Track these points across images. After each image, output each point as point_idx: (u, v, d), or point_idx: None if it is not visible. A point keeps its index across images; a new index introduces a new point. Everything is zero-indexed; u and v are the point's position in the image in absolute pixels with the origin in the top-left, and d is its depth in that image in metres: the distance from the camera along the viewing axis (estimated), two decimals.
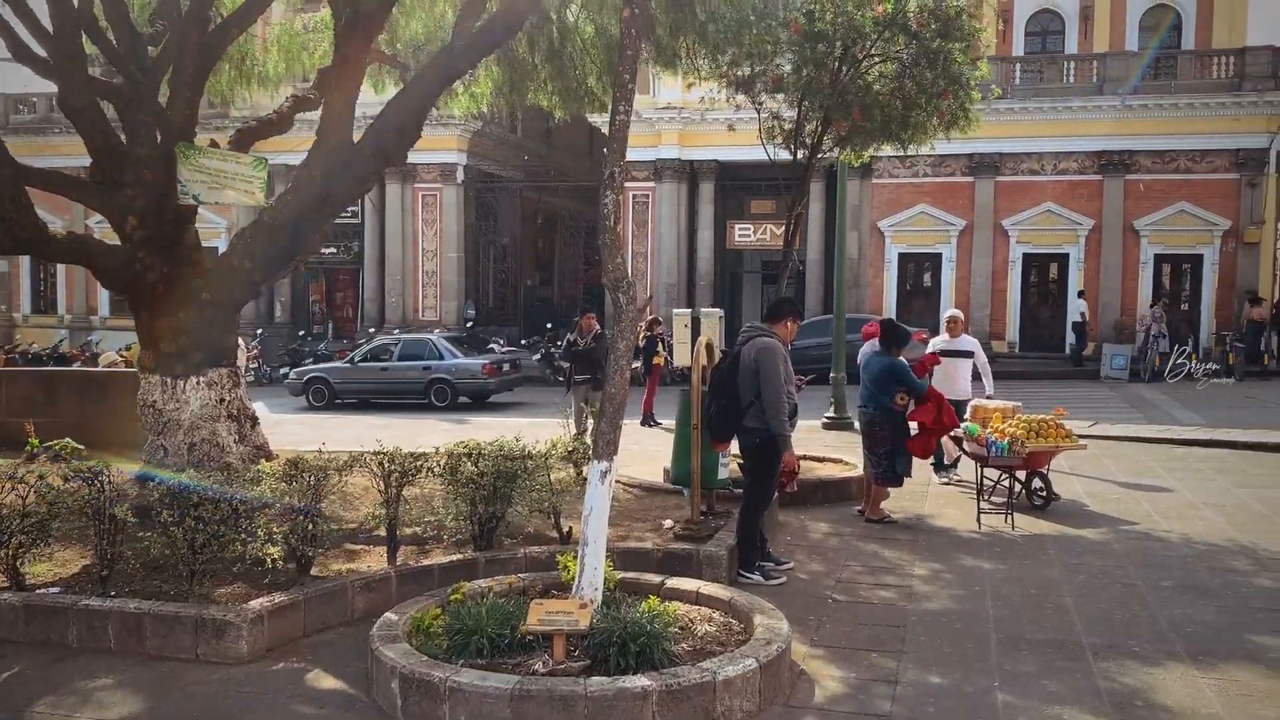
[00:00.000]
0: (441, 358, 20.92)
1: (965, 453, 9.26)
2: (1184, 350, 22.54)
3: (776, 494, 7.39)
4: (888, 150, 10.71)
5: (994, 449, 8.44)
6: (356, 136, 8.76)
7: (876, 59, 9.86)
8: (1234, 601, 6.37)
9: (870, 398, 8.45)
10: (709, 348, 7.55)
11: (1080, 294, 25.72)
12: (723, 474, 7.47)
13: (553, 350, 23.88)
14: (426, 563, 6.63)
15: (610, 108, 4.96)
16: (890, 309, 26.79)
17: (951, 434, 9.77)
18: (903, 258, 27.43)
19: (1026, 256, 26.84)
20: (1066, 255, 26.62)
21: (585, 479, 5.42)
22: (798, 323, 7.10)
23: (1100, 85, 25.91)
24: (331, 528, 6.59)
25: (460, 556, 6.73)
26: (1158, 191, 25.77)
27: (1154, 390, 20.85)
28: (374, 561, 6.63)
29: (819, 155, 10.40)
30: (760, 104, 10.37)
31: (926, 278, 27.61)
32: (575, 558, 5.29)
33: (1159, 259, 26.14)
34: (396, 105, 8.74)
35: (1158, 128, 25.49)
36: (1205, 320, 25.68)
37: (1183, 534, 8.16)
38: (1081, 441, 9.18)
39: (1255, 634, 5.74)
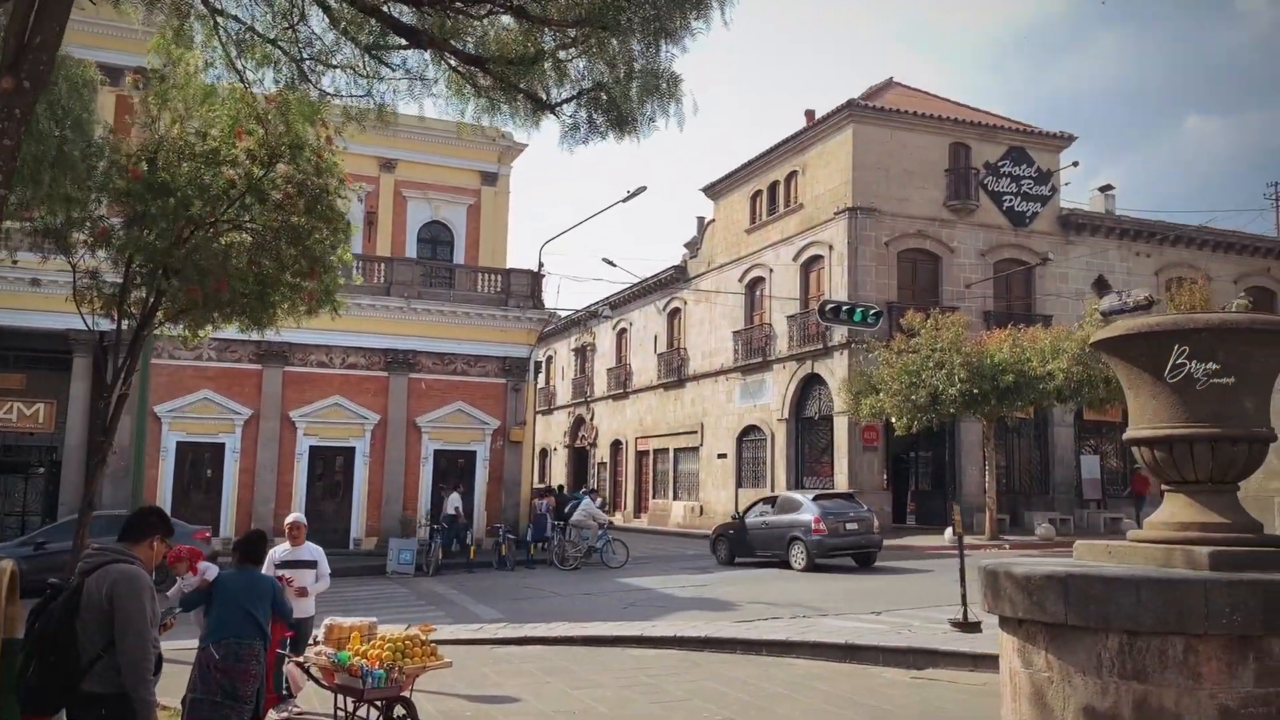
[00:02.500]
0: None
1: (327, 686, 7.96)
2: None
3: None
4: (231, 329, 9.38)
5: (370, 679, 7.32)
6: None
7: (227, 226, 8.63)
8: None
9: (249, 624, 6.79)
10: (13, 576, 5.41)
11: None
12: None
13: None
14: None
15: None
16: (166, 501, 24.00)
17: (298, 660, 8.46)
18: (182, 446, 24.96)
19: (314, 449, 26.27)
20: (353, 449, 26.65)
21: None
22: (166, 542, 5.37)
23: (388, 287, 27.04)
24: None
25: None
26: (438, 391, 27.35)
27: (444, 584, 21.31)
28: None
29: (150, 328, 8.67)
30: (75, 260, 8.38)
31: (208, 469, 25.40)
32: None
33: (438, 454, 27.49)
34: None
35: (439, 331, 27.26)
36: (477, 512, 27.38)
37: None
38: (447, 659, 8.51)
39: None
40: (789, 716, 9.06)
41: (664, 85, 6.73)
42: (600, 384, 49.98)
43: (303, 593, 9.11)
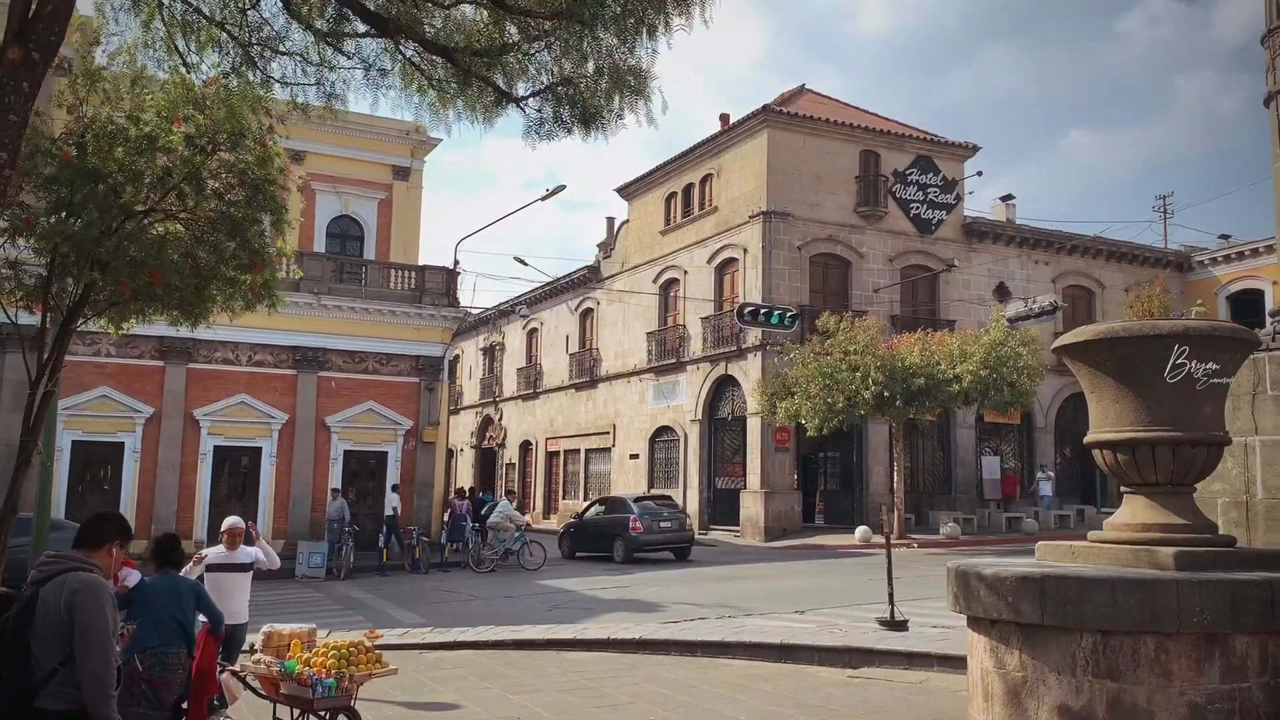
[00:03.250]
0: None
1: (268, 697, 7.64)
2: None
3: None
4: (161, 322, 8.95)
5: (320, 688, 7.05)
6: None
7: (160, 215, 8.22)
8: None
9: (173, 630, 6.48)
10: None
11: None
12: None
13: None
14: None
15: None
16: (60, 503, 22.92)
17: (233, 669, 8.12)
18: (78, 446, 23.80)
19: (219, 449, 25.38)
20: (260, 449, 25.83)
21: None
22: (125, 548, 5.07)
23: (297, 282, 26.23)
24: None
25: None
26: (349, 390, 26.68)
27: (358, 588, 20.81)
28: None
29: (77, 322, 8.21)
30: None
31: (106, 469, 24.30)
32: None
33: (348, 454, 26.83)
34: None
35: (349, 329, 26.58)
36: (387, 514, 26.76)
37: None
38: (392, 666, 8.25)
39: None
40: (735, 717, 9.05)
41: (632, 81, 6.65)
42: (510, 384, 49.53)
43: (232, 596, 8.81)
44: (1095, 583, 5.26)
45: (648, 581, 20.60)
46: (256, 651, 8.18)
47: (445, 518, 26.38)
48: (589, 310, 42.92)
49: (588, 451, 42.08)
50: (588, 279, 42.51)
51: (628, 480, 38.60)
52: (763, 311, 25.19)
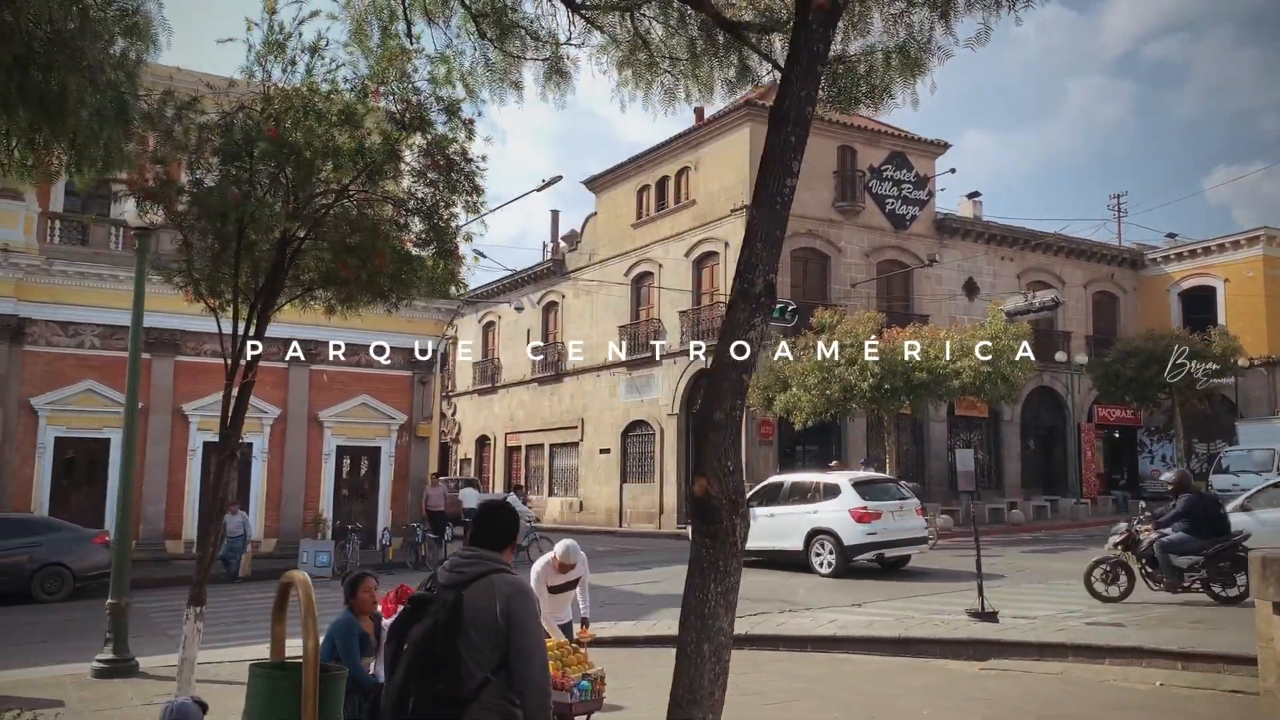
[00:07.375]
0: None
1: None
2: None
3: None
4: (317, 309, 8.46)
5: (577, 692, 6.71)
6: None
7: (337, 195, 7.72)
8: None
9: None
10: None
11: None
12: None
13: None
14: None
15: None
16: (43, 503, 21.80)
17: None
18: (61, 442, 22.59)
19: (208, 444, 24.30)
20: (251, 445, 24.82)
21: None
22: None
23: None
24: None
25: None
26: (341, 383, 25.84)
27: None
28: None
29: (273, 309, 7.71)
30: (188, 233, 7.32)
31: (90, 466, 23.09)
32: None
33: (341, 450, 26.00)
34: None
35: (343, 321, 25.63)
36: (383, 511, 26.09)
37: None
38: (599, 666, 7.91)
39: None
40: (918, 713, 8.93)
41: (915, 60, 6.47)
42: (464, 378, 48.71)
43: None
44: None
45: (672, 576, 20.35)
46: None
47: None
48: (553, 303, 42.42)
49: (552, 446, 41.62)
50: (552, 271, 42.02)
51: (597, 475, 38.28)
52: None
